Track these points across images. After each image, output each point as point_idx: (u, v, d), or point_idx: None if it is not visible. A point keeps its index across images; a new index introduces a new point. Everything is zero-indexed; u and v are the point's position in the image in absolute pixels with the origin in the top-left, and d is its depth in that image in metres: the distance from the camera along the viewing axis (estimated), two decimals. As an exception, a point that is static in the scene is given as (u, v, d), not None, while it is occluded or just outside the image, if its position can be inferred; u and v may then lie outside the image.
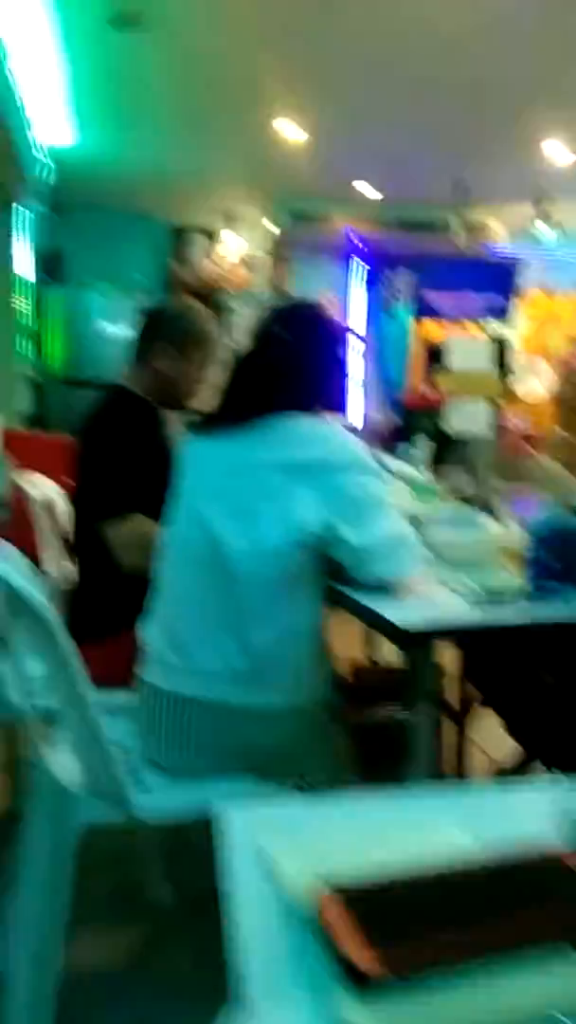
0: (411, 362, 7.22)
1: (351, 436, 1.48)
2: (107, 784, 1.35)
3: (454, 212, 5.97)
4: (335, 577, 1.44)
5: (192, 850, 1.96)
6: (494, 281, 6.09)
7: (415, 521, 1.96)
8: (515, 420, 6.71)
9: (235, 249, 7.24)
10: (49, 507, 3.43)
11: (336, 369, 1.58)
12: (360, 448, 1.47)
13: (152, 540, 1.70)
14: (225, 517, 1.41)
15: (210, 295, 7.03)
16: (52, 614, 1.25)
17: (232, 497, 1.42)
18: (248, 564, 1.38)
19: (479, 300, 6.08)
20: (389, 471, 2.55)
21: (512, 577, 1.51)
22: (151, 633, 1.50)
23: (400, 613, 1.26)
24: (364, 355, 7.35)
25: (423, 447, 5.23)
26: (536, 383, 7.68)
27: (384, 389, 7.24)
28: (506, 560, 1.58)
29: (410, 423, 5.26)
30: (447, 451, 4.92)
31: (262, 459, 1.42)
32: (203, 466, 1.51)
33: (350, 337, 7.28)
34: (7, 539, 2.15)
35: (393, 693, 1.63)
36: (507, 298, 6.14)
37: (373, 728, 1.72)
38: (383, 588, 1.37)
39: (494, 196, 6.09)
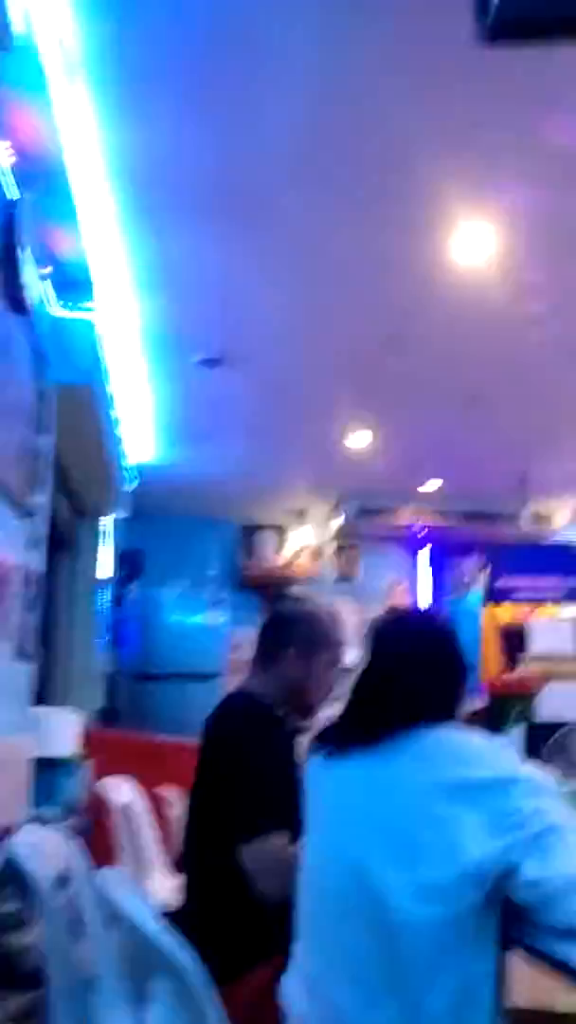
0: (485, 647, 7.11)
1: (511, 749, 1.36)
2: None
3: (520, 502, 6.22)
4: (511, 916, 1.24)
5: None
6: (568, 564, 6.15)
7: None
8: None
9: (303, 542, 7.57)
10: (128, 812, 3.23)
11: (461, 679, 1.51)
12: (517, 759, 1.35)
13: (291, 864, 1.54)
14: (378, 852, 1.24)
15: (277, 586, 7.26)
16: (191, 961, 1.09)
17: (385, 828, 1.26)
18: (412, 909, 1.18)
19: (555, 583, 6.10)
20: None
21: None
22: (295, 994, 1.28)
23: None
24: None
25: (516, 736, 4.93)
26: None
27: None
28: None
29: (496, 711, 5.01)
30: (540, 739, 4.64)
31: (417, 780, 1.28)
32: (342, 791, 1.37)
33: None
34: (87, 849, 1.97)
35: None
36: (583, 580, 6.16)
37: None
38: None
39: (558, 486, 6.37)
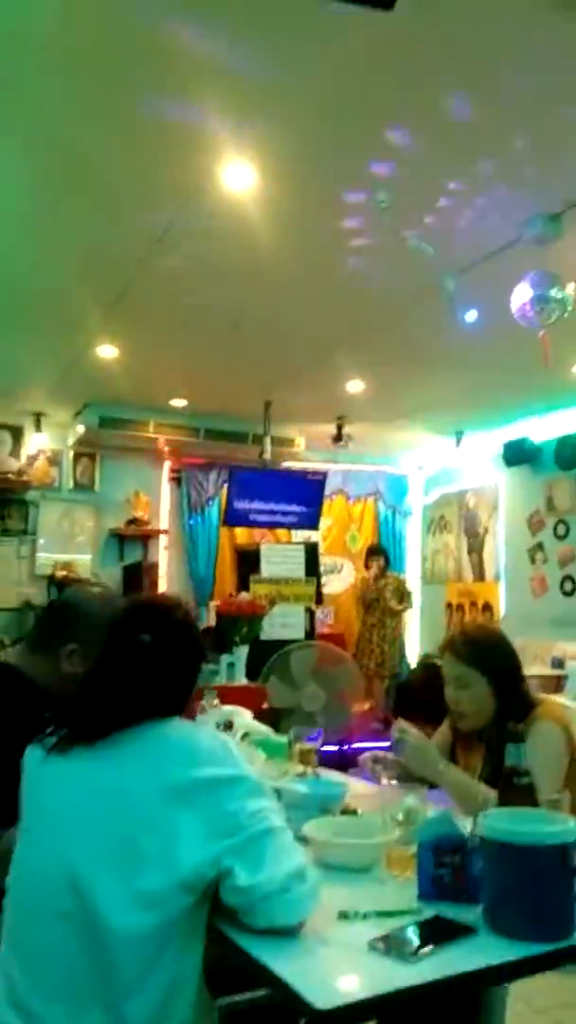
0: (221, 568, 7.33)
1: (232, 744, 1.39)
2: None
3: (263, 427, 6.34)
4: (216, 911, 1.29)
5: None
6: (302, 492, 6.44)
7: (277, 794, 1.88)
8: (325, 621, 6.94)
9: (41, 446, 7.15)
10: None
11: (198, 669, 1.51)
12: (239, 755, 1.37)
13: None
14: (94, 859, 1.22)
15: (11, 490, 6.83)
16: None
17: (102, 834, 1.23)
18: (124, 916, 1.18)
19: (289, 509, 6.37)
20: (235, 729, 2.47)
21: (398, 886, 1.46)
22: (-3, 998, 1.24)
23: (309, 980, 1.10)
24: (171, 552, 7.38)
25: (241, 655, 5.20)
26: (338, 580, 8.06)
27: (194, 588, 7.23)
28: (390, 864, 1.52)
29: (224, 630, 5.21)
30: (264, 658, 4.92)
31: (137, 783, 1.26)
32: (60, 792, 1.31)
33: (162, 538, 7.30)
34: None
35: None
36: (315, 508, 6.49)
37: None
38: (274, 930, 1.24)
39: (299, 415, 6.57)
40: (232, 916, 1.26)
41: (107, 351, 5.08)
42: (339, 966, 1.18)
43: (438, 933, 1.26)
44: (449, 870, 1.39)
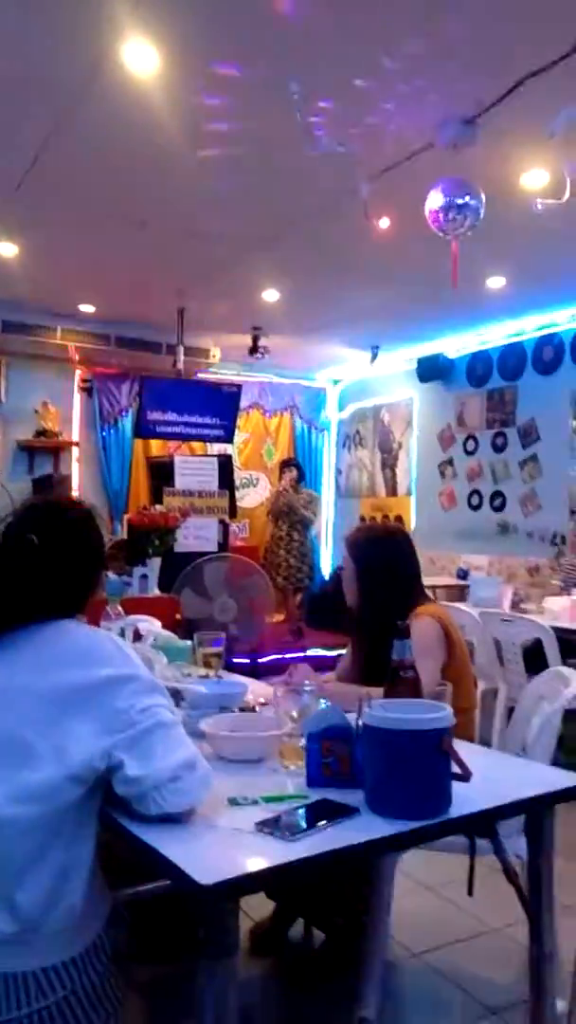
0: (135, 481, 7.22)
1: (121, 643, 1.39)
2: None
3: (176, 336, 6.18)
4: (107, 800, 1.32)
5: None
6: (217, 404, 6.35)
7: (178, 696, 1.92)
8: (240, 534, 6.97)
9: None
10: None
11: (95, 570, 1.49)
12: (133, 655, 1.38)
13: None
14: None
15: None
16: None
17: None
18: (10, 810, 1.20)
19: (203, 421, 6.29)
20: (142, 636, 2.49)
21: (289, 775, 1.52)
22: None
23: (196, 860, 1.15)
24: (84, 465, 7.22)
25: (153, 568, 5.20)
26: (254, 493, 8.09)
27: (108, 501, 7.13)
28: (282, 756, 1.58)
29: (138, 542, 5.18)
30: (177, 570, 4.94)
31: (25, 685, 1.26)
32: None
33: (74, 450, 7.11)
34: None
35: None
36: (229, 421, 6.42)
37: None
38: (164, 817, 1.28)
39: (214, 325, 6.41)
40: (125, 806, 1.30)
41: (6, 248, 4.79)
42: (226, 847, 1.23)
43: (323, 814, 1.33)
44: (336, 758, 1.46)
